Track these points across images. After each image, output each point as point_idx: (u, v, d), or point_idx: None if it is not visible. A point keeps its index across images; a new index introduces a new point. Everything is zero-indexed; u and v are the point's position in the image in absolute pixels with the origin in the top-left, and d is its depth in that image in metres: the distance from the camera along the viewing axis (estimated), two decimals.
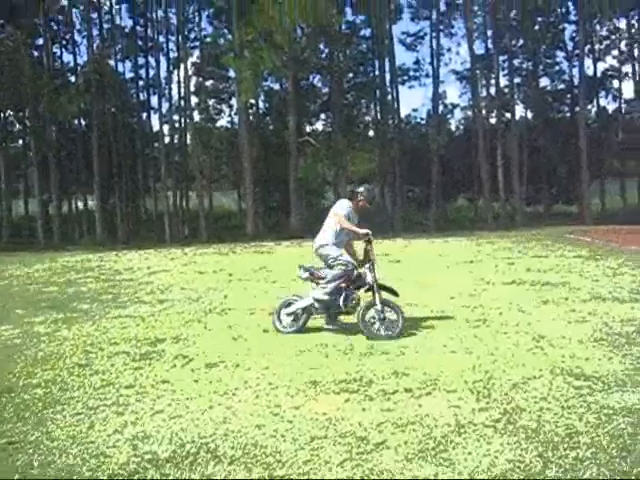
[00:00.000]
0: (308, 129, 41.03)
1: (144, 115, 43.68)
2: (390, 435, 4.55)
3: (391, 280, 8.62)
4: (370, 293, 7.98)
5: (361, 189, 8.56)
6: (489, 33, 38.70)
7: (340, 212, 8.24)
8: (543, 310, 9.21)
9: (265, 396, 5.59)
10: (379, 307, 7.82)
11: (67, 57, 43.33)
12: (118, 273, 16.95)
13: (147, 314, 10.13)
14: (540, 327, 7.95)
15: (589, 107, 41.60)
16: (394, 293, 8.05)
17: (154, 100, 42.36)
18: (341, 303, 8.10)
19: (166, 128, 41.08)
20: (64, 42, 40.45)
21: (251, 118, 39.30)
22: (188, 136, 41.54)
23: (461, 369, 6.16)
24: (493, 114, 39.50)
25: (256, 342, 7.83)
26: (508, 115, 39.54)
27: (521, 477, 3.83)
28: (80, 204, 41.17)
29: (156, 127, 43.28)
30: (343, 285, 8.10)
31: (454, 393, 5.44)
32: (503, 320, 8.53)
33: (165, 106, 40.90)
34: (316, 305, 8.20)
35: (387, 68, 39.18)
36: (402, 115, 43.14)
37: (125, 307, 10.98)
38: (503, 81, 40.27)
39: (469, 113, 45.77)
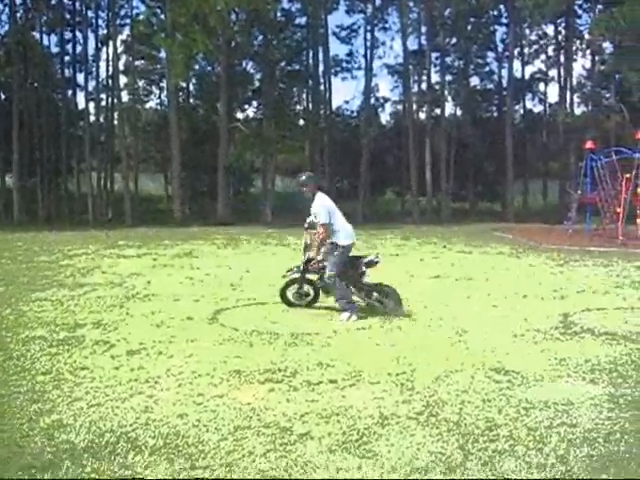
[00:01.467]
0: (239, 115, 40.58)
1: (69, 92, 42.17)
2: (314, 426, 4.54)
3: None
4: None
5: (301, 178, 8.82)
6: (423, 30, 39.17)
7: None
8: (466, 305, 9.41)
9: (188, 385, 5.50)
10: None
11: None
12: (36, 254, 16.37)
13: (66, 298, 9.81)
14: (463, 322, 8.11)
15: (516, 108, 42.73)
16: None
17: (80, 77, 40.98)
18: None
19: (92, 107, 39.91)
20: None
21: (181, 101, 38.60)
22: (115, 116, 40.44)
23: (385, 361, 6.21)
24: (423, 109, 40.05)
25: (180, 329, 7.70)
26: (438, 111, 40.17)
27: (442, 469, 3.88)
28: None
29: (82, 105, 41.91)
30: None
31: (378, 385, 5.48)
32: (427, 314, 8.66)
33: (92, 84, 39.69)
34: None
35: (321, 58, 39.16)
36: (334, 106, 43.24)
37: (43, 290, 10.60)
38: (435, 77, 40.90)
39: (400, 107, 46.26)
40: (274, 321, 8.20)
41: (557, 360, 6.27)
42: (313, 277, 8.96)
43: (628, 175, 20.99)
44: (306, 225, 8.75)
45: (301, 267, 8.81)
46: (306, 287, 9.02)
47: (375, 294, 8.58)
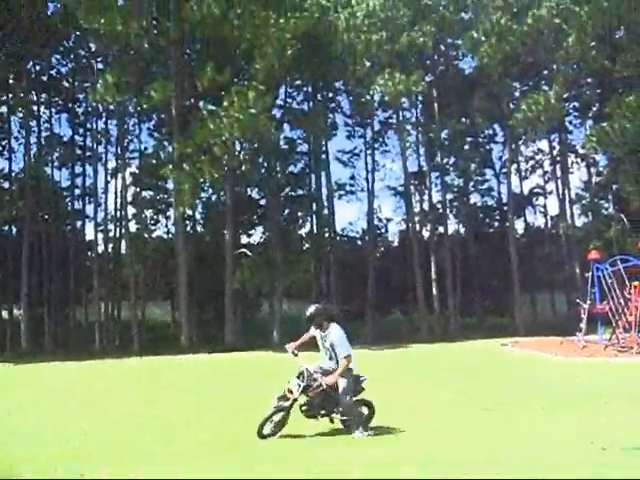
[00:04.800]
0: (244, 240, 41.18)
1: (78, 224, 43.11)
2: None
3: None
4: None
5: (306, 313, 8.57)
6: (422, 151, 40.43)
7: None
8: (486, 428, 9.12)
9: None
10: None
11: (1, 163, 42.95)
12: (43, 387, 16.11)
13: (75, 433, 9.55)
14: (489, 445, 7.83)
15: (518, 222, 43.36)
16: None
17: (89, 209, 41.98)
18: None
19: (100, 237, 40.59)
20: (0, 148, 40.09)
21: (188, 229, 39.26)
22: (123, 245, 41.07)
23: None
24: (427, 228, 40.65)
25: (194, 456, 7.43)
26: (441, 229, 40.71)
27: None
28: (5, 313, 39.53)
29: (90, 236, 42.69)
30: None
31: None
32: (450, 439, 8.38)
33: (100, 215, 40.59)
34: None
35: (324, 182, 40.14)
36: (338, 228, 43.87)
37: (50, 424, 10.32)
38: (436, 196, 41.75)
39: (403, 227, 46.96)
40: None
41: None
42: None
43: (636, 283, 20.91)
44: (317, 370, 8.39)
45: (297, 392, 8.23)
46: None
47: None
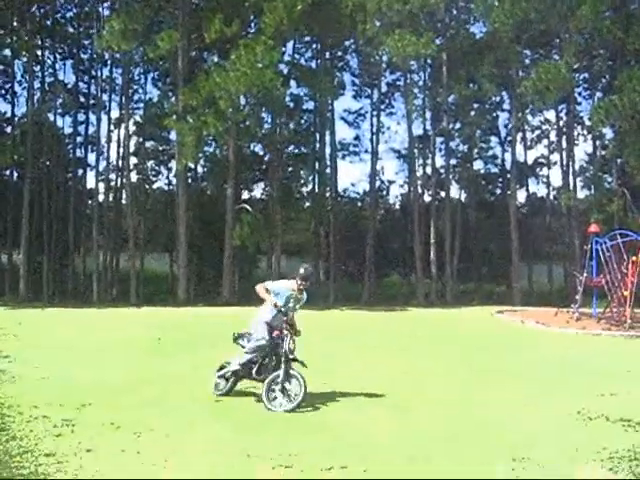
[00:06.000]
0: (245, 196, 41.02)
1: (80, 172, 42.93)
2: None
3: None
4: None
5: (301, 270, 8.58)
6: (427, 115, 40.03)
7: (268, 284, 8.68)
8: (480, 394, 9.24)
9: (198, 466, 5.35)
10: (281, 378, 7.88)
11: (4, 107, 42.52)
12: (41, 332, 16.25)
13: (73, 377, 9.66)
14: (479, 411, 7.95)
15: (520, 191, 43.15)
16: (302, 364, 8.09)
17: (91, 157, 41.73)
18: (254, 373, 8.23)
19: (101, 186, 40.43)
20: (3, 92, 39.73)
21: (189, 181, 39.12)
22: (124, 195, 40.96)
23: None
24: (429, 192, 40.47)
25: (190, 412, 7.55)
26: (443, 194, 40.55)
27: None
28: (4, 258, 39.64)
29: (91, 184, 42.51)
30: (256, 358, 8.25)
31: None
32: (444, 407, 8.49)
33: (102, 164, 40.35)
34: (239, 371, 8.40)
35: (328, 142, 39.85)
36: (340, 189, 43.63)
37: (48, 368, 10.45)
38: (439, 161, 41.46)
39: (405, 190, 46.76)
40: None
41: (574, 447, 6.10)
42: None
43: (634, 258, 20.95)
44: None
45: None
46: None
47: None
